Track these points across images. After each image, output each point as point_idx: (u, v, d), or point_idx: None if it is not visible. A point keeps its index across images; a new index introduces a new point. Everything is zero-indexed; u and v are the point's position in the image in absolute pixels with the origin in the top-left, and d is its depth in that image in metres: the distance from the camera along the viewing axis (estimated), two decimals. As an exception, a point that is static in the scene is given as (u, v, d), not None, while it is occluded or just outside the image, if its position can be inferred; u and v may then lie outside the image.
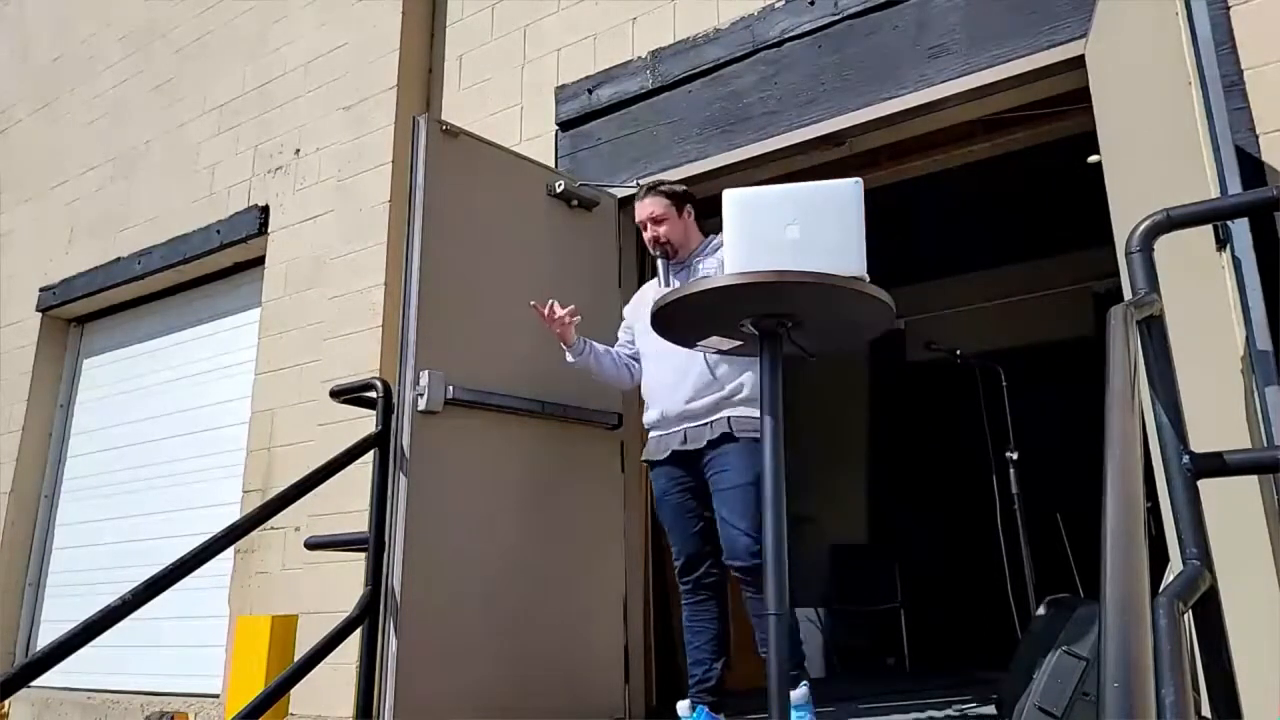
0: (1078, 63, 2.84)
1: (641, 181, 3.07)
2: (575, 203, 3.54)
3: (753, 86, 3.51)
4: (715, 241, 2.87)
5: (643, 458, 2.96)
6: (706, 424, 2.69)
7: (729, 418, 2.67)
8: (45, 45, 6.77)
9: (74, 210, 5.98)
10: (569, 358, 2.89)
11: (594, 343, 2.94)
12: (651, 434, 2.85)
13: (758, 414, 2.50)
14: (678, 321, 2.35)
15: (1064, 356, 5.66)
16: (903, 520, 6.39)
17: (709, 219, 4.06)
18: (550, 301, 2.81)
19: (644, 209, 2.85)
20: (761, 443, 2.06)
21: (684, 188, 2.95)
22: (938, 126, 3.33)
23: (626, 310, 3.10)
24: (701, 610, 2.78)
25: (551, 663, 3.14)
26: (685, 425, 2.73)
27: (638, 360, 2.97)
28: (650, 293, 2.93)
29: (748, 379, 2.71)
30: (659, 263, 2.83)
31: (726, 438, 2.66)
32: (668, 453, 2.76)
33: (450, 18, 4.53)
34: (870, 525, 6.80)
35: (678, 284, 2.75)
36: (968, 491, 5.13)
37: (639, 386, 2.98)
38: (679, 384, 2.74)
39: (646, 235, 2.86)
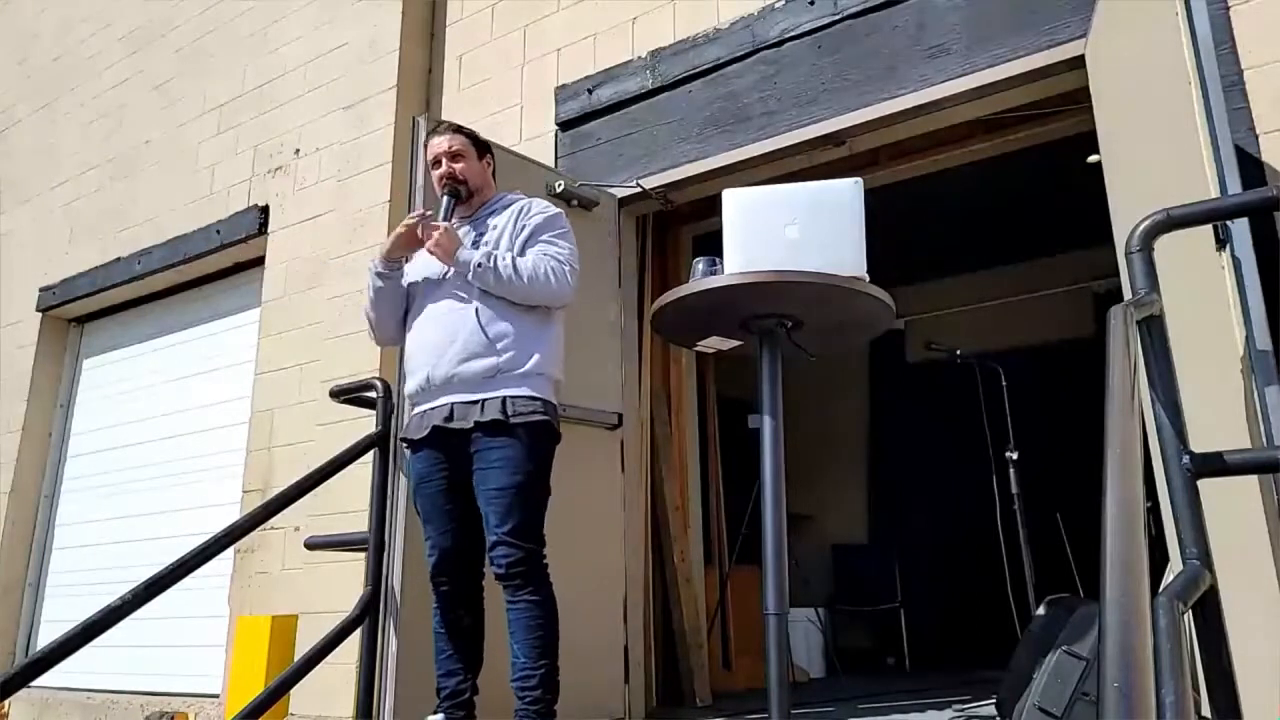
0: (1078, 63, 2.84)
1: (442, 123, 2.71)
2: (575, 203, 3.54)
3: (752, 86, 3.51)
4: (509, 198, 2.59)
5: (400, 435, 2.61)
6: (478, 401, 2.32)
7: (506, 398, 2.31)
8: (45, 45, 6.77)
9: (74, 210, 5.98)
10: (380, 269, 2.52)
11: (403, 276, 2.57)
12: (414, 408, 2.49)
13: (539, 394, 2.36)
14: (677, 321, 2.36)
15: (1064, 356, 5.66)
16: (903, 520, 6.39)
17: (709, 219, 4.08)
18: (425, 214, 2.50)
19: (441, 144, 2.57)
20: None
21: (485, 140, 2.70)
22: (938, 126, 3.33)
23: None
24: (453, 617, 2.40)
25: (551, 663, 3.13)
26: (452, 397, 2.36)
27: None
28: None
29: (533, 348, 2.38)
30: (444, 199, 2.52)
31: (500, 425, 2.29)
32: (427, 430, 2.38)
33: (450, 18, 4.53)
34: (870, 525, 6.80)
35: (464, 229, 2.52)
36: (968, 491, 5.13)
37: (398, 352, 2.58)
38: (448, 345, 2.38)
39: (438, 172, 2.56)
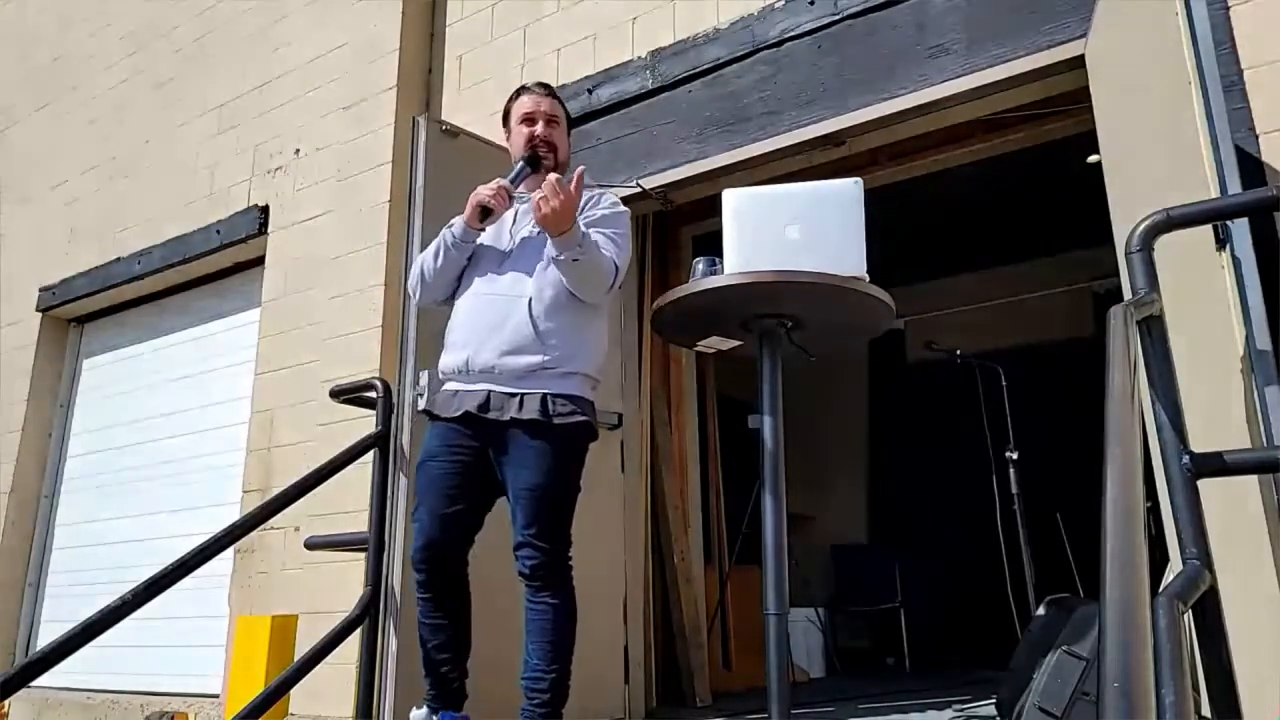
0: (1078, 63, 2.84)
1: (537, 83, 2.59)
2: (575, 203, 3.54)
3: (752, 86, 3.51)
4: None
5: (424, 406, 2.49)
6: (518, 395, 2.24)
7: (546, 395, 2.23)
8: (45, 45, 6.77)
9: (74, 210, 5.98)
10: (459, 235, 2.36)
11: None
12: (446, 385, 2.38)
13: (580, 393, 2.30)
14: (677, 321, 2.35)
15: (1064, 356, 5.66)
16: (903, 520, 6.39)
17: (709, 219, 4.08)
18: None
19: (542, 104, 2.47)
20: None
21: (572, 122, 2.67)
22: (938, 126, 3.33)
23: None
24: (435, 604, 2.34)
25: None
26: (490, 386, 2.27)
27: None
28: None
29: (578, 346, 2.30)
30: (519, 164, 2.41)
31: (538, 424, 2.22)
32: (459, 413, 2.28)
33: (450, 18, 4.53)
34: (870, 525, 6.81)
35: (528, 204, 2.35)
36: (967, 491, 5.13)
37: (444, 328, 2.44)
38: (494, 331, 2.28)
39: (529, 130, 2.44)
